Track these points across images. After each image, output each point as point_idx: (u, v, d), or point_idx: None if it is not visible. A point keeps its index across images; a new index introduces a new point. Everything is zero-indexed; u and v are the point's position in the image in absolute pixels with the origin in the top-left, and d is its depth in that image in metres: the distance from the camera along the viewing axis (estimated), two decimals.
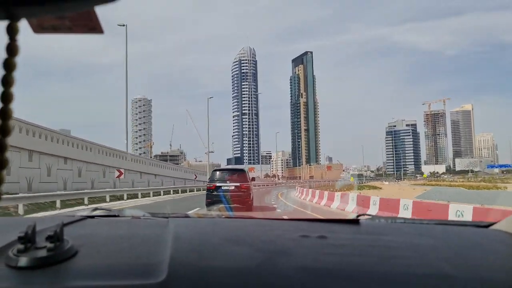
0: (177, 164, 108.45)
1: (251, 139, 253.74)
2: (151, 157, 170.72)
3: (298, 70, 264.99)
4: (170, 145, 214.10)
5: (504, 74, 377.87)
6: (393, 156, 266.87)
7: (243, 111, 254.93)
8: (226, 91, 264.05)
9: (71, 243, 0.79)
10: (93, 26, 0.50)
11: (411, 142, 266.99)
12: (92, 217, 1.40)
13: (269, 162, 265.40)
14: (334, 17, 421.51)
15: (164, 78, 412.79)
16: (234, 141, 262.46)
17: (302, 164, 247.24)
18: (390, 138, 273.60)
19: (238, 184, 14.84)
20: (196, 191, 40.75)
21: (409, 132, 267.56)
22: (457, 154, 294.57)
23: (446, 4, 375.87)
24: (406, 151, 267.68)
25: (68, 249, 0.77)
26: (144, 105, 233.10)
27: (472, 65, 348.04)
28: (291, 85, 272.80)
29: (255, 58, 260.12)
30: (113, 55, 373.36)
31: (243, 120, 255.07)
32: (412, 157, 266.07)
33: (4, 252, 0.75)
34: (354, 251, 0.92)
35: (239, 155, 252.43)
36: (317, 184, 75.49)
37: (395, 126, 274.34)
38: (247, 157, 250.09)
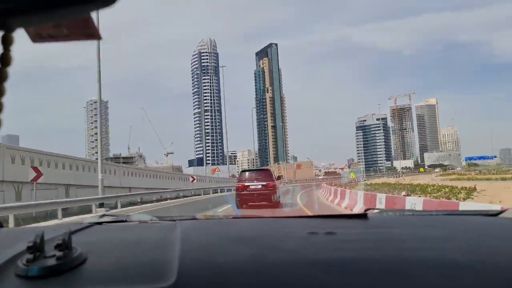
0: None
1: (215, 138, 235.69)
2: (106, 159, 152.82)
3: (263, 64, 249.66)
4: (128, 148, 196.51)
5: (459, 73, 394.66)
6: (364, 152, 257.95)
7: (205, 108, 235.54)
8: (189, 92, 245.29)
9: (79, 251, 0.79)
10: (91, 33, 0.49)
11: (382, 137, 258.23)
12: (100, 223, 1.39)
13: (235, 162, 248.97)
14: (298, 18, 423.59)
15: (124, 81, 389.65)
16: (196, 141, 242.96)
17: (270, 163, 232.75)
18: (361, 133, 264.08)
19: (264, 183, 15.71)
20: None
21: (380, 126, 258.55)
22: (423, 148, 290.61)
23: (404, 5, 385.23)
24: (377, 146, 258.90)
25: (77, 257, 0.76)
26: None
27: (429, 64, 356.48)
28: (255, 79, 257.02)
29: (216, 51, 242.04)
30: (72, 59, 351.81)
31: (205, 117, 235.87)
32: (384, 152, 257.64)
33: (13, 262, 0.74)
34: (364, 245, 0.91)
35: (201, 155, 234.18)
36: (303, 184, 63.74)
37: (365, 120, 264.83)
38: (210, 158, 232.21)
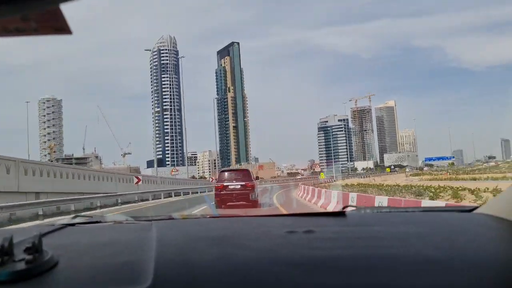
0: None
1: (175, 138, 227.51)
2: (51, 161, 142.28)
3: (224, 63, 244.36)
4: (83, 148, 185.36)
5: (415, 76, 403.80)
6: (326, 152, 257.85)
7: (164, 107, 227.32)
8: (147, 91, 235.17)
9: (50, 254, 0.75)
10: (60, 27, 0.47)
11: (344, 137, 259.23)
12: (73, 224, 1.33)
13: (195, 163, 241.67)
14: (258, 19, 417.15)
15: (80, 79, 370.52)
16: (155, 141, 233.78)
17: (231, 164, 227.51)
18: (323, 134, 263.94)
19: (243, 183, 15.80)
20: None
21: (342, 127, 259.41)
22: (382, 149, 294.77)
23: (361, 11, 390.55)
24: (339, 147, 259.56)
25: (48, 260, 0.73)
26: (53, 105, 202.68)
27: (387, 67, 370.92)
28: (217, 78, 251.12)
29: (176, 48, 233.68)
30: (21, 56, 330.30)
31: (165, 117, 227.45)
32: (346, 152, 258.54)
33: None
34: (341, 243, 0.91)
35: (161, 156, 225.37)
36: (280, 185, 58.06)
37: (327, 121, 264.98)
38: (170, 158, 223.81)
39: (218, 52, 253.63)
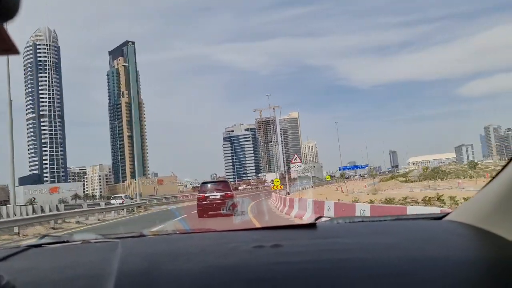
0: None
1: (55, 149, 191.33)
2: None
3: (118, 64, 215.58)
4: None
5: (312, 92, 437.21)
6: (232, 163, 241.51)
7: (41, 112, 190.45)
8: (20, 93, 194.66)
9: (6, 279, 0.71)
10: (7, 48, 0.46)
11: (252, 148, 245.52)
12: (39, 245, 1.25)
13: (83, 179, 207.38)
14: (158, 33, 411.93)
15: None
16: (29, 153, 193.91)
17: (126, 179, 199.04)
18: (229, 144, 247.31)
19: (223, 193, 17.52)
20: None
21: (249, 137, 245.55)
22: (288, 161, 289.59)
23: (259, 29, 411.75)
24: (246, 157, 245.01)
25: (3, 286, 0.69)
26: None
27: (287, 83, 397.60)
28: (108, 82, 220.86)
29: (57, 44, 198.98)
30: None
31: (42, 124, 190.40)
32: (253, 163, 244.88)
33: None
34: (308, 257, 0.89)
35: (37, 171, 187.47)
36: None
37: (233, 131, 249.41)
38: (49, 174, 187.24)
39: (110, 53, 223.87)
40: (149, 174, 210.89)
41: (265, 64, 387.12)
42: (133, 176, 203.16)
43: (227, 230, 1.36)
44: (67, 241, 1.35)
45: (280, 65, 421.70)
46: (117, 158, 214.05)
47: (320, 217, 1.57)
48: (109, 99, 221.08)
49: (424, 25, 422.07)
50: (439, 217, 1.29)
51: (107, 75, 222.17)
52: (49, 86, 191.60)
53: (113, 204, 35.57)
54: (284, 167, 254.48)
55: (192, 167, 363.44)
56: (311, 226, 1.22)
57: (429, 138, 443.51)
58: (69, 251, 1.20)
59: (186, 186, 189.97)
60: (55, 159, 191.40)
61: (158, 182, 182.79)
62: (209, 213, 16.86)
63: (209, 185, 18.34)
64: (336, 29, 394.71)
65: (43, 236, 1.45)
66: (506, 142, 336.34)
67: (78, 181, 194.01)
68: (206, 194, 17.40)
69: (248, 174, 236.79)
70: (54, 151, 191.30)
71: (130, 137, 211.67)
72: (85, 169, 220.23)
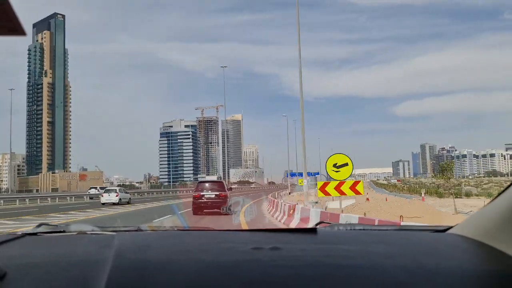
0: None
1: None
2: None
3: (42, 38, 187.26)
4: None
5: (257, 99, 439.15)
6: (168, 163, 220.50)
7: None
8: None
9: None
10: (13, 28, 0.45)
11: (191, 147, 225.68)
12: (34, 234, 1.25)
13: None
14: (100, 24, 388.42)
15: None
16: None
17: (42, 171, 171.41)
18: (166, 141, 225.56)
19: (218, 193, 18.86)
20: None
21: (189, 134, 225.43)
22: (227, 164, 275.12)
23: (207, 32, 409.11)
24: (185, 157, 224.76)
25: None
26: None
27: (232, 88, 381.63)
28: (29, 57, 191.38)
29: None
30: None
31: None
32: (191, 164, 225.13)
33: None
34: (307, 262, 0.88)
35: None
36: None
37: (171, 126, 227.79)
38: None
39: (35, 25, 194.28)
40: (70, 167, 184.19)
41: (211, 66, 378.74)
42: (50, 168, 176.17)
43: (226, 230, 1.35)
44: (63, 231, 1.34)
45: (226, 69, 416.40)
46: (33, 147, 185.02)
47: (320, 222, 1.55)
48: (28, 77, 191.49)
49: (367, 44, 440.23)
50: (442, 230, 1.28)
51: (29, 50, 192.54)
52: None
53: (106, 202, 30.44)
54: (224, 170, 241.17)
55: (124, 164, 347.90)
56: (312, 231, 1.20)
57: (368, 152, 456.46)
58: (64, 241, 1.19)
59: (112, 183, 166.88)
60: None
61: (80, 177, 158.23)
62: (204, 211, 18.37)
63: (205, 184, 20.00)
64: (282, 39, 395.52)
65: (40, 225, 1.42)
66: (441, 160, 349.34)
67: None
68: (202, 193, 18.84)
69: (185, 176, 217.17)
70: None
71: (51, 123, 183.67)
72: None
